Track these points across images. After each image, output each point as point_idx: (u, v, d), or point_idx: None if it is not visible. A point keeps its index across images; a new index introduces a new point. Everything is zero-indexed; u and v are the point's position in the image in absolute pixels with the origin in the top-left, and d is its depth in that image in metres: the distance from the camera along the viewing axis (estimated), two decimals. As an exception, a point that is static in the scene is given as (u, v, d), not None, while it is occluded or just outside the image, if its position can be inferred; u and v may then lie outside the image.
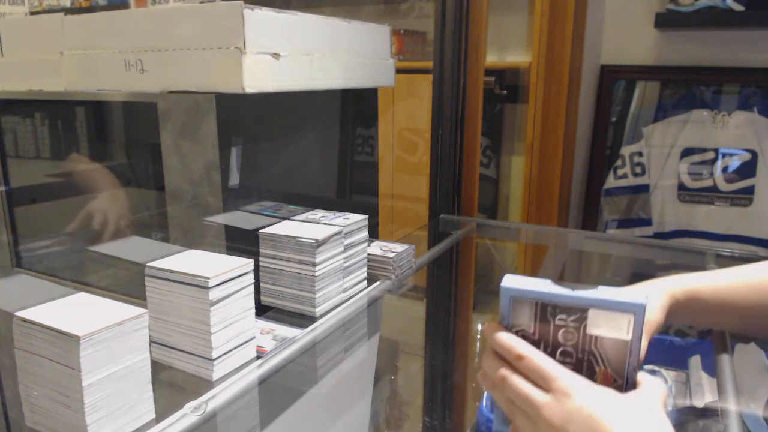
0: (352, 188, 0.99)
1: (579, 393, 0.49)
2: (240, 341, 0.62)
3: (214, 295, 0.58)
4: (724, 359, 0.74)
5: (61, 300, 0.55)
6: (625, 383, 0.53)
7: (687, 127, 1.58)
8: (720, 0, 1.43)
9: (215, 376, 0.60)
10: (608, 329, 0.52)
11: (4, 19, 1.06)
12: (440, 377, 1.31)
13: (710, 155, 1.55)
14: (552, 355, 0.54)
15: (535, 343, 0.55)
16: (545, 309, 0.54)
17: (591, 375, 0.54)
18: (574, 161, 1.74)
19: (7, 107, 0.89)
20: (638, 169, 1.63)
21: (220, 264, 0.61)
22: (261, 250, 0.75)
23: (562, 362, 0.54)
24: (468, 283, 1.44)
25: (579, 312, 0.53)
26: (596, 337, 0.53)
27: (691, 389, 0.98)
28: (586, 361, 0.54)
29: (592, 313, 0.52)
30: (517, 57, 1.84)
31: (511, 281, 0.55)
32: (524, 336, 0.55)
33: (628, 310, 0.51)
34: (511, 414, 0.54)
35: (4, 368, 0.81)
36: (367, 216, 0.82)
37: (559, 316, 0.54)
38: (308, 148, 0.86)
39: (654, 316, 0.62)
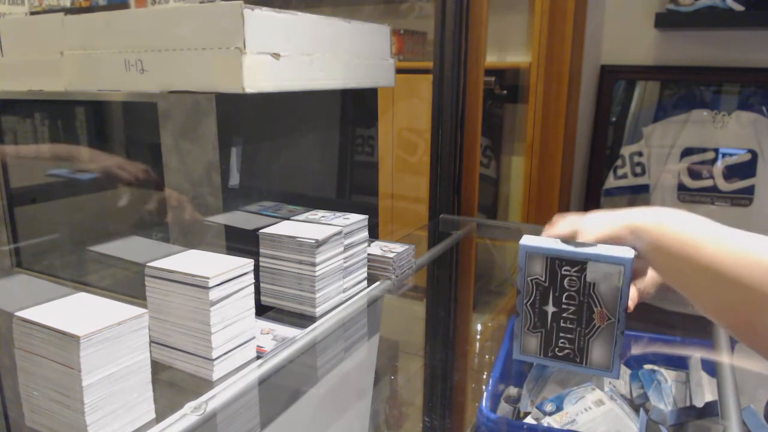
0: (352, 188, 0.99)
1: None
2: (240, 341, 0.62)
3: (214, 295, 0.58)
4: (724, 359, 0.74)
5: (61, 300, 0.55)
6: (617, 321, 0.64)
7: (687, 127, 1.57)
8: (720, 0, 1.43)
9: (215, 376, 0.60)
10: (603, 278, 0.64)
11: (4, 19, 1.06)
12: (440, 377, 1.31)
13: (710, 155, 1.55)
14: (559, 298, 0.67)
15: (546, 289, 0.67)
16: (554, 261, 0.66)
17: (590, 314, 0.65)
18: (574, 161, 1.74)
19: (7, 107, 0.89)
20: (638, 169, 1.63)
21: (220, 264, 0.61)
22: (261, 250, 0.75)
23: (567, 304, 0.66)
24: (468, 283, 1.44)
25: (580, 264, 0.64)
26: (594, 284, 0.64)
27: (691, 389, 0.98)
28: (586, 303, 0.65)
29: (590, 265, 0.64)
30: (517, 57, 1.84)
31: (527, 240, 0.67)
32: (537, 283, 0.67)
33: (618, 263, 0.63)
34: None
35: (4, 368, 0.81)
36: (367, 216, 0.82)
37: (564, 267, 0.65)
38: (308, 148, 0.86)
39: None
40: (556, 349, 0.68)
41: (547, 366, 0.98)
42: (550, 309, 0.67)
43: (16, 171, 0.91)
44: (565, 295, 0.66)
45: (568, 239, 0.67)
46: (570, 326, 0.67)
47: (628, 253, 0.63)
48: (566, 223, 0.69)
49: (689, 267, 0.56)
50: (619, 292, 0.64)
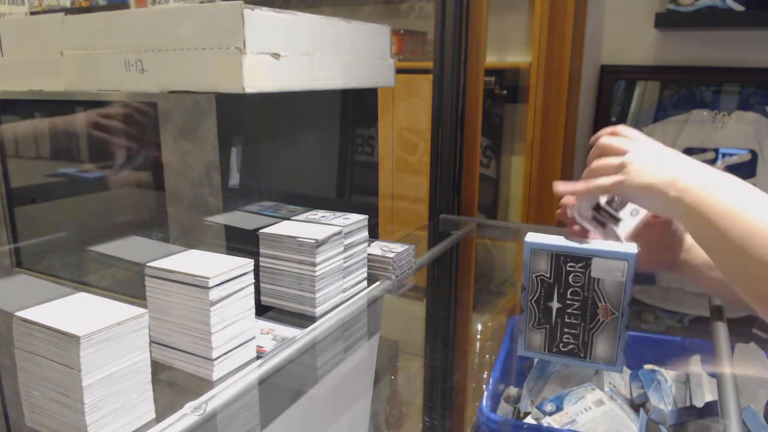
0: (352, 188, 0.99)
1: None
2: (240, 341, 0.62)
3: (214, 295, 0.58)
4: (724, 359, 0.74)
5: (61, 300, 0.55)
6: (621, 316, 0.65)
7: (687, 127, 1.57)
8: (720, 0, 1.43)
9: (215, 376, 0.60)
10: (607, 273, 0.65)
11: (4, 19, 1.06)
12: (440, 377, 1.31)
13: (710, 155, 1.55)
14: (563, 294, 0.68)
15: (551, 285, 0.68)
16: (558, 258, 0.67)
17: (594, 309, 0.66)
18: (574, 161, 1.74)
19: (7, 107, 0.89)
20: (638, 169, 1.63)
21: (220, 264, 0.61)
22: (261, 250, 0.75)
23: (572, 300, 0.67)
24: (468, 283, 1.44)
25: (584, 260, 0.66)
26: (598, 279, 0.65)
27: (691, 389, 0.98)
28: (590, 299, 0.66)
29: (595, 261, 0.65)
30: (517, 57, 1.84)
31: (532, 237, 0.68)
32: (542, 279, 0.68)
33: (622, 258, 0.64)
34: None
35: (4, 368, 0.81)
36: (367, 216, 0.82)
37: (569, 264, 0.66)
38: (308, 148, 0.86)
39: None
40: (561, 344, 0.69)
41: (548, 366, 0.98)
42: (555, 305, 0.68)
43: (17, 165, 0.91)
44: (569, 291, 0.67)
45: (611, 172, 0.66)
46: (574, 322, 0.67)
47: (631, 248, 0.64)
48: (621, 145, 0.68)
49: (721, 236, 0.56)
50: (623, 287, 0.65)
